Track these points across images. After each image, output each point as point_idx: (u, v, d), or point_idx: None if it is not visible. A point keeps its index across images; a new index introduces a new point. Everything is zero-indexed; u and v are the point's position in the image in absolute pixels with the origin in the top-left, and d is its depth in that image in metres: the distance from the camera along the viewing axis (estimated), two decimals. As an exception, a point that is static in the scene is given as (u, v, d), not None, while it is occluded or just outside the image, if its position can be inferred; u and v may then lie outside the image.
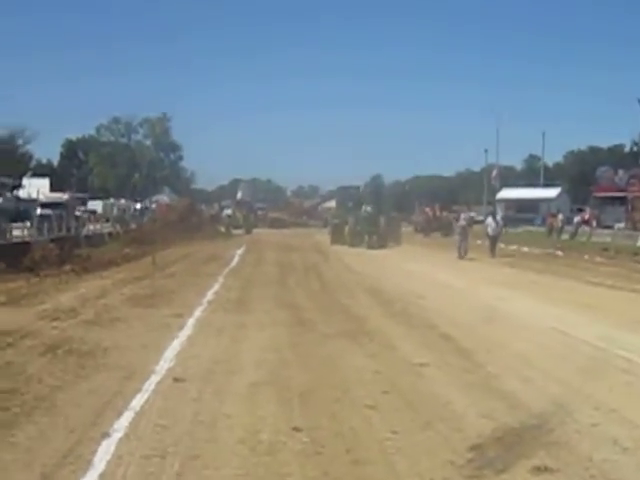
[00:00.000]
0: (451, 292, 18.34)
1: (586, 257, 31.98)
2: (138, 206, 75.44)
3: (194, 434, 6.48)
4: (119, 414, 7.06)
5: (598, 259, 31.11)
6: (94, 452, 5.94)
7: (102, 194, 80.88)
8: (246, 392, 8.01)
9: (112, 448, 6.06)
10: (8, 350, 10.23)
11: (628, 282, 20.73)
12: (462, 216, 36.76)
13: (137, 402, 7.53)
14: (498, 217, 34.48)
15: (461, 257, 30.37)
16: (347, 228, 40.51)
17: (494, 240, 32.47)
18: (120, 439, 6.30)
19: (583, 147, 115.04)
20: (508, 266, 26.87)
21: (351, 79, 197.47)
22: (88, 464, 5.66)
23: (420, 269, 25.24)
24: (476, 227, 41.45)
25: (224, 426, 6.73)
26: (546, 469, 5.56)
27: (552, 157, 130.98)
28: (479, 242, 35.75)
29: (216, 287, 18.90)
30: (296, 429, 6.56)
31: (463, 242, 31.24)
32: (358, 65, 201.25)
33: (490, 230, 32.77)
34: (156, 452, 5.96)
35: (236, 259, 30.18)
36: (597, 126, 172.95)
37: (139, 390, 8.01)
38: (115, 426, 6.66)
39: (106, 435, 6.38)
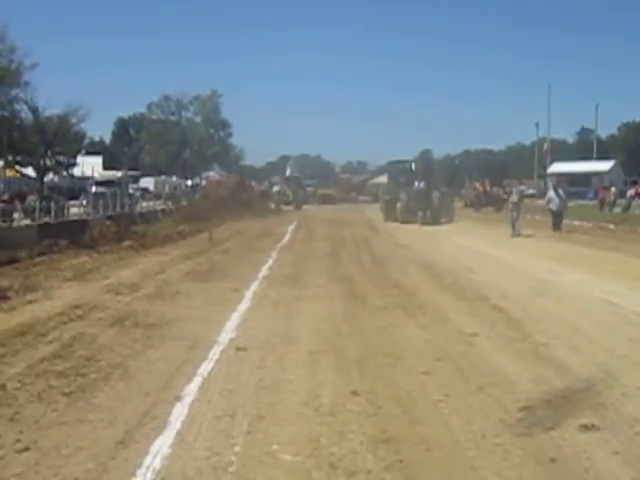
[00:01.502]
0: (503, 266, 18.53)
1: (639, 230, 31.74)
2: (189, 183, 76.31)
3: (259, 397, 6.95)
4: (189, 379, 7.57)
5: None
6: (169, 413, 6.46)
7: (153, 171, 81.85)
8: (305, 360, 8.46)
9: (185, 410, 6.57)
10: (79, 322, 10.85)
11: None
12: (514, 190, 36.08)
13: (204, 369, 8.03)
14: (561, 191, 32.06)
15: (515, 234, 28.72)
16: (399, 204, 39.18)
17: (558, 215, 30.77)
18: (192, 402, 6.81)
19: (638, 119, 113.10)
20: (560, 240, 26.59)
21: (399, 59, 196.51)
22: (165, 423, 6.18)
23: (473, 245, 25.06)
24: (529, 202, 40.94)
25: (287, 390, 7.19)
26: (593, 427, 5.94)
27: (606, 129, 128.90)
28: (538, 218, 35.36)
29: (270, 262, 19.39)
30: (354, 393, 7.01)
31: (516, 218, 29.68)
32: (406, 46, 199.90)
33: (553, 205, 30.97)
34: (226, 413, 6.46)
35: (288, 235, 30.65)
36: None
37: (205, 358, 8.51)
38: (186, 390, 7.17)
39: (179, 398, 6.90)
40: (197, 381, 7.54)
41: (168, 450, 5.57)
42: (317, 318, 11.08)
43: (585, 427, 5.93)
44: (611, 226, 34.51)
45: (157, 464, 5.29)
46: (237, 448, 5.61)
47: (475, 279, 15.43)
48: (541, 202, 46.75)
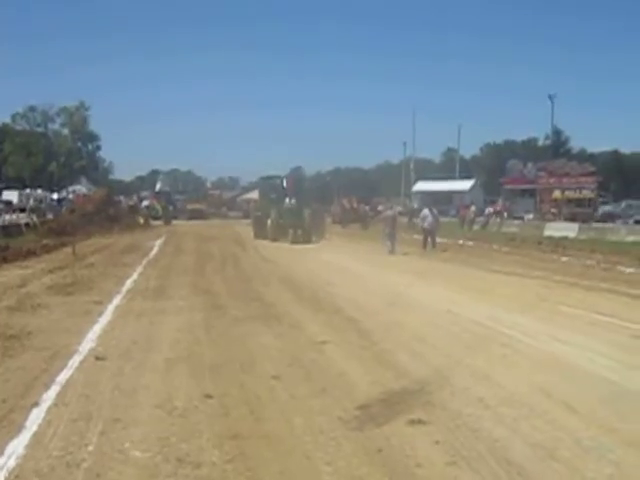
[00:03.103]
0: (362, 281, 19.32)
1: (494, 247, 33.52)
2: (55, 196, 74.59)
3: (115, 402, 7.29)
4: (46, 387, 7.81)
5: (505, 248, 32.60)
6: (26, 418, 6.71)
7: (17, 184, 79.54)
8: (162, 367, 8.83)
9: (42, 414, 6.84)
10: None
11: (528, 269, 22.07)
12: (387, 207, 36.16)
13: (62, 377, 8.28)
14: (435, 210, 32.29)
15: (391, 252, 28.69)
16: (270, 221, 37.98)
17: (431, 234, 31.04)
18: (49, 407, 7.08)
19: (499, 140, 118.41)
20: (423, 257, 27.57)
21: (271, 78, 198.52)
22: (21, 427, 6.44)
23: (339, 261, 25.43)
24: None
25: (142, 395, 7.56)
26: (420, 421, 6.61)
27: (469, 150, 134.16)
28: (413, 236, 36.24)
29: (135, 276, 19.52)
30: (207, 396, 7.45)
31: (391, 236, 29.59)
32: (276, 65, 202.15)
33: (426, 224, 30.99)
34: (82, 417, 6.77)
35: (155, 250, 30.68)
36: (513, 121, 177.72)
37: (64, 367, 8.75)
38: (44, 397, 7.42)
39: (36, 404, 7.15)
40: (55, 388, 7.78)
41: (23, 451, 5.85)
42: (177, 328, 11.43)
43: (413, 422, 6.58)
44: (469, 242, 36.28)
45: (12, 463, 5.57)
46: (90, 447, 5.95)
47: (334, 292, 16.09)
48: (406, 219, 48.53)
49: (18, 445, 5.96)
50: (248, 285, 17.76)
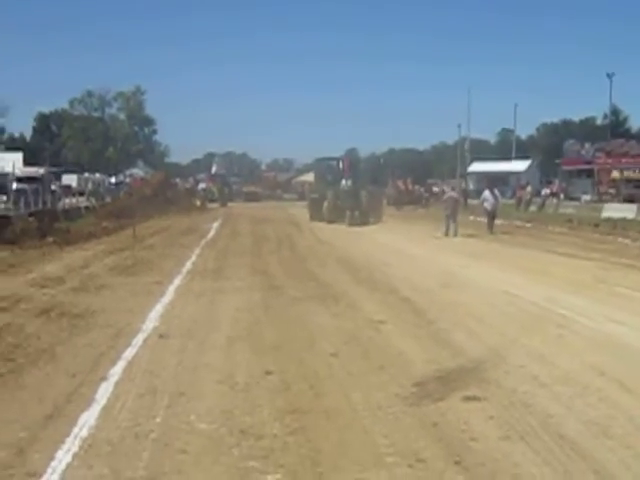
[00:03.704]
0: (415, 261, 19.42)
1: (550, 228, 33.24)
2: (113, 180, 75.75)
3: (179, 377, 7.56)
4: (113, 363, 8.12)
5: (561, 230, 32.31)
6: (95, 392, 7.01)
7: (76, 168, 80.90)
8: (224, 344, 9.11)
9: (110, 388, 7.13)
10: (5, 313, 11.20)
11: (583, 251, 21.92)
12: (449, 187, 35.47)
13: (128, 353, 8.59)
14: (496, 191, 31.31)
15: (450, 234, 27.73)
16: (326, 203, 37.24)
17: (492, 215, 30.01)
18: (116, 382, 7.38)
19: (556, 120, 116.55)
20: (474, 238, 27.22)
21: (326, 59, 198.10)
22: (91, 400, 6.73)
23: (396, 244, 25.35)
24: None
25: (205, 371, 7.82)
26: (475, 398, 6.74)
27: (526, 130, 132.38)
28: (472, 218, 35.76)
29: (193, 257, 19.90)
30: (268, 372, 7.68)
31: (451, 218, 28.36)
32: (333, 45, 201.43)
33: (488, 205, 30.08)
34: (148, 391, 7.04)
35: (212, 232, 31.10)
36: (570, 100, 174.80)
37: (128, 344, 9.06)
38: (111, 372, 7.73)
39: (104, 379, 7.45)
40: (121, 364, 8.09)
41: (94, 422, 6.12)
42: (237, 308, 11.71)
43: (468, 398, 6.71)
44: (526, 224, 35.97)
45: (84, 433, 5.84)
46: (157, 419, 6.20)
47: (390, 273, 16.21)
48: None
49: (89, 417, 6.24)
50: (304, 266, 17.99)
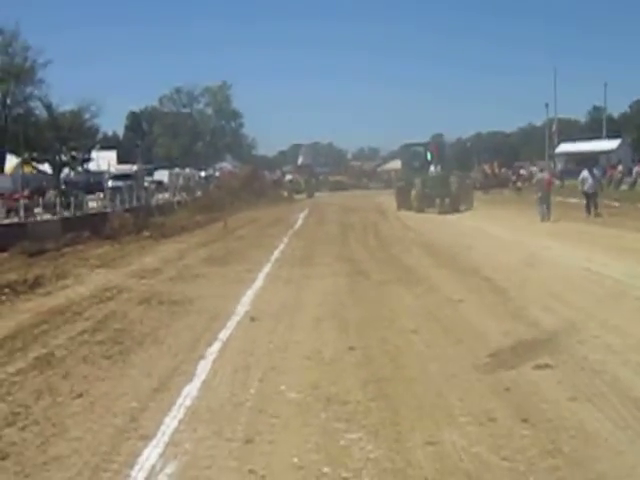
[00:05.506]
0: (504, 246, 19.67)
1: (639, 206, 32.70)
2: (203, 174, 77.48)
3: (270, 354, 8.23)
4: (209, 343, 8.85)
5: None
6: (195, 368, 7.73)
7: (167, 164, 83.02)
8: (311, 325, 9.75)
9: (208, 365, 7.85)
10: (110, 302, 12.18)
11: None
12: (536, 169, 34.25)
13: (223, 335, 9.33)
14: (596, 171, 29.79)
15: (544, 218, 26.35)
16: (414, 191, 35.81)
17: (592, 197, 28.20)
18: (214, 359, 8.10)
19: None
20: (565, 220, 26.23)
21: (409, 52, 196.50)
22: (192, 375, 7.45)
23: (486, 229, 25.20)
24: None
25: (294, 348, 8.47)
26: (546, 366, 7.16)
27: (618, 108, 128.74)
28: (559, 199, 34.32)
29: (282, 247, 20.68)
30: (351, 348, 8.27)
31: (544, 200, 27.05)
32: (415, 40, 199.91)
33: (587, 186, 28.13)
34: (242, 367, 7.72)
35: (299, 222, 31.93)
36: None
37: (223, 327, 9.80)
38: (209, 351, 8.46)
39: (203, 357, 8.18)
40: (217, 344, 8.81)
41: (196, 393, 6.83)
42: (323, 292, 12.35)
43: (539, 366, 7.14)
44: (615, 203, 35.40)
45: (188, 402, 6.54)
46: (252, 390, 6.86)
47: (470, 254, 16.58)
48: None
49: (191, 389, 6.94)
50: (389, 252, 18.48)
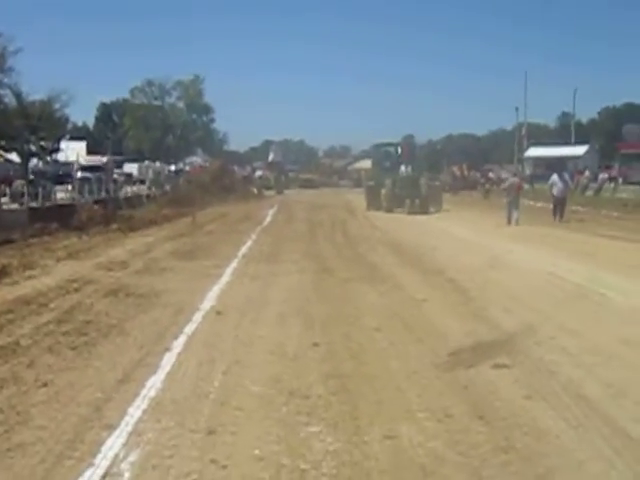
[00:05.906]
0: (470, 247, 19.93)
1: (604, 212, 33.30)
2: (173, 168, 77.18)
3: (235, 348, 8.34)
4: (175, 336, 8.93)
5: (615, 214, 32.38)
6: (160, 360, 7.81)
7: (137, 157, 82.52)
8: (275, 320, 9.87)
9: (173, 358, 7.94)
10: (76, 294, 12.17)
11: (634, 234, 22.09)
12: (507, 174, 35.09)
13: (189, 328, 9.40)
14: (566, 175, 29.84)
15: (512, 222, 26.37)
16: (384, 191, 36.04)
17: (561, 202, 28.46)
18: (179, 352, 8.18)
19: (619, 104, 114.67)
20: (528, 225, 25.97)
21: (381, 49, 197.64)
22: (157, 367, 7.53)
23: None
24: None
25: (258, 343, 8.58)
26: (504, 365, 7.38)
27: (587, 114, 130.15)
28: (530, 203, 35.18)
29: (249, 243, 20.78)
30: (315, 344, 8.41)
31: (513, 205, 26.94)
32: (387, 37, 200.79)
33: (555, 190, 28.34)
34: (207, 360, 7.82)
35: (268, 218, 32.03)
36: (635, 83, 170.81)
37: (189, 320, 9.87)
38: (174, 344, 8.54)
39: (168, 349, 8.27)
40: (183, 338, 8.89)
41: (160, 385, 6.92)
42: (289, 288, 12.50)
43: (497, 365, 7.35)
44: (581, 208, 35.90)
45: (152, 394, 6.63)
46: (216, 383, 6.97)
47: (435, 255, 16.81)
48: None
49: (156, 381, 7.04)
50: (356, 251, 18.66)
